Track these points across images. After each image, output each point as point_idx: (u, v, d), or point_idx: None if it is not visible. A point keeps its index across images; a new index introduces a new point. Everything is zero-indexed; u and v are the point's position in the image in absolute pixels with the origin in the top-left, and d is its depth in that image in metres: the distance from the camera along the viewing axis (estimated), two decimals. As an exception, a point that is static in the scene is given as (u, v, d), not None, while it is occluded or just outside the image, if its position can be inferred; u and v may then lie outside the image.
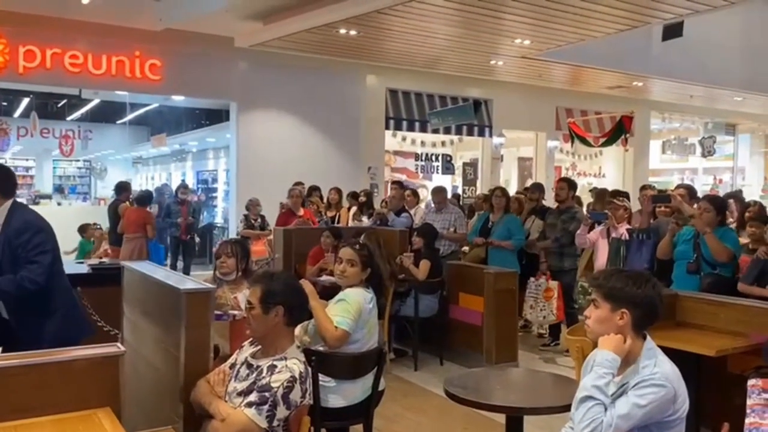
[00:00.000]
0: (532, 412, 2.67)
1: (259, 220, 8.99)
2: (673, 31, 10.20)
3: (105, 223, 9.12)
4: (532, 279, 6.32)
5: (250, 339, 2.64)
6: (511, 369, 3.91)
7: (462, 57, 10.30)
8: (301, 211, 7.71)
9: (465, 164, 13.46)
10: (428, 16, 7.97)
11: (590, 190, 7.61)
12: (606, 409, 2.15)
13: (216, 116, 13.58)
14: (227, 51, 9.87)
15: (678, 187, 5.58)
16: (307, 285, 3.26)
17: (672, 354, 3.80)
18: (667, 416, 2.18)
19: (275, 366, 2.43)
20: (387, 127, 11.80)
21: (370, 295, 3.40)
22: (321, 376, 3.19)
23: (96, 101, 14.05)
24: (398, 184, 7.32)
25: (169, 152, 18.13)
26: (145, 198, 8.85)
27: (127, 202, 8.63)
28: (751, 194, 13.55)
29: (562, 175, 15.21)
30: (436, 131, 11.90)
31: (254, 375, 2.45)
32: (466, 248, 7.22)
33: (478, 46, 9.50)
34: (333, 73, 10.87)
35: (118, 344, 2.53)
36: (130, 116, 14.80)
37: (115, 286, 3.79)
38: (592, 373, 2.23)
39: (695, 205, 4.99)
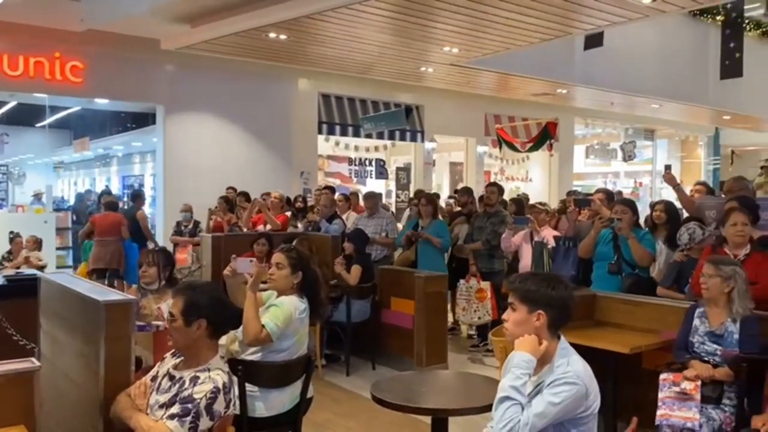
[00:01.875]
0: (455, 413, 2.73)
1: (190, 226, 8.82)
2: (594, 41, 10.68)
3: (25, 231, 8.70)
4: (462, 281, 6.45)
5: (173, 350, 2.59)
6: (438, 371, 3.99)
7: (393, 63, 10.41)
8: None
9: (398, 169, 13.60)
10: (359, 23, 8.02)
11: (510, 199, 7.86)
12: (523, 409, 2.23)
13: (142, 120, 13.20)
14: (153, 53, 9.62)
15: (597, 191, 5.81)
16: (256, 266, 3.25)
17: (591, 352, 4.00)
18: (580, 413, 2.28)
19: (198, 377, 2.40)
20: (320, 132, 11.78)
21: (303, 305, 3.39)
22: (248, 386, 3.17)
23: (12, 103, 13.39)
24: (329, 190, 7.33)
25: (93, 157, 17.47)
26: (114, 204, 9.03)
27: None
28: (669, 196, 14.26)
29: (491, 180, 15.61)
30: (369, 136, 11.96)
31: (176, 387, 2.41)
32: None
33: (409, 53, 9.62)
34: (264, 76, 10.77)
35: (33, 359, 2.44)
36: (50, 119, 14.18)
37: (31, 298, 3.63)
38: (510, 374, 2.31)
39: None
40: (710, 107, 14.95)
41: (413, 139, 13.06)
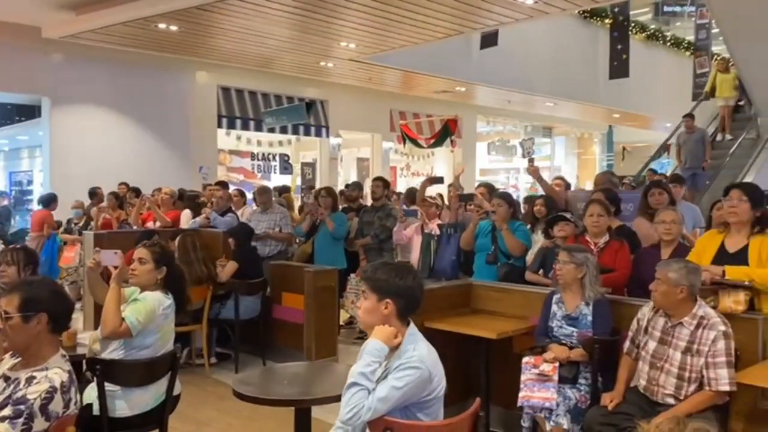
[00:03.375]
0: (312, 403, 2.76)
1: (81, 223, 8.45)
2: (489, 40, 11.05)
3: None
4: (352, 275, 6.51)
5: (12, 351, 2.47)
6: (301, 363, 4.02)
7: (293, 57, 10.35)
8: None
9: (303, 164, 13.53)
10: (254, 16, 7.92)
11: (406, 191, 8.03)
12: (370, 394, 2.29)
13: (29, 112, 12.45)
14: (36, 42, 9.11)
15: (479, 186, 6.02)
16: (122, 258, 3.15)
17: (465, 338, 4.15)
18: (425, 396, 2.36)
19: (34, 377, 2.30)
20: (219, 126, 11.56)
21: (168, 301, 3.32)
22: (108, 385, 3.07)
23: None
24: (222, 185, 7.19)
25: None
26: (48, 199, 8.88)
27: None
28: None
29: (398, 175, 15.83)
30: (272, 130, 11.84)
31: (11, 388, 2.30)
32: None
33: (307, 48, 9.60)
34: (160, 68, 10.44)
35: None
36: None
37: None
38: (361, 360, 2.36)
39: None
40: (601, 106, 15.79)
41: (318, 134, 13.04)
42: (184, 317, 3.94)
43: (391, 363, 2.38)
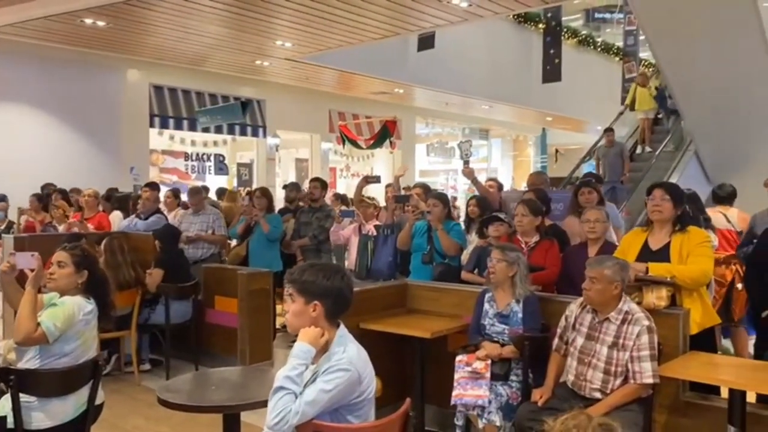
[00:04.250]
0: (238, 409, 2.69)
1: (3, 226, 8.01)
2: (426, 43, 11.15)
3: None
4: (289, 277, 6.40)
5: None
6: (234, 368, 3.93)
7: (228, 56, 10.15)
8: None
9: (239, 164, 13.30)
10: (186, 13, 7.72)
11: (334, 194, 8.03)
12: (297, 398, 2.24)
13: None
14: (-49, 35, 8.62)
15: (415, 186, 6.05)
16: (38, 260, 2.99)
17: (400, 338, 4.15)
18: (354, 398, 2.32)
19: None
20: (152, 125, 11.22)
21: (90, 306, 3.17)
22: (24, 396, 2.91)
23: None
24: (151, 186, 6.96)
25: None
26: None
27: None
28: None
29: (337, 176, 15.78)
30: (206, 130, 11.58)
31: None
32: None
33: (242, 46, 9.43)
34: (89, 65, 10.04)
35: None
36: None
37: None
38: (287, 364, 2.31)
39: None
40: (535, 109, 16.19)
41: (255, 134, 12.84)
42: (108, 323, 3.77)
43: (320, 366, 2.34)
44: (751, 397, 3.23)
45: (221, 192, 9.42)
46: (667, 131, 11.48)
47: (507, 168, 20.93)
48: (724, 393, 3.22)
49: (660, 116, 11.97)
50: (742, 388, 3.06)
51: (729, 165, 9.85)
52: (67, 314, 3.02)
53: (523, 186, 15.42)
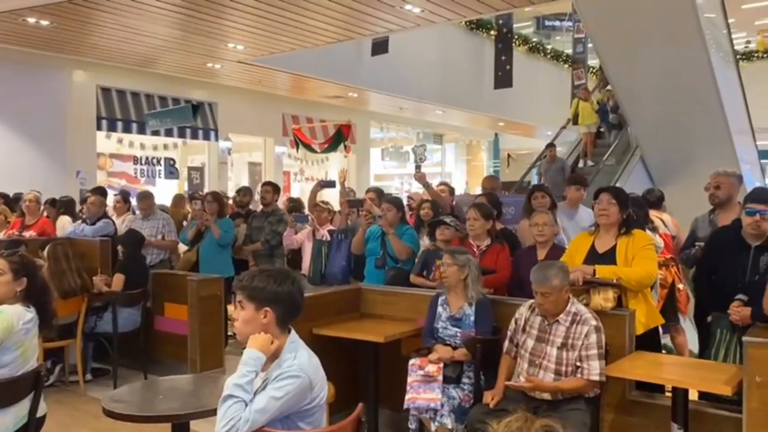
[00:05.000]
0: (185, 418, 2.64)
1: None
2: (380, 47, 11.19)
3: None
4: (241, 283, 6.31)
5: None
6: (184, 376, 3.85)
7: (178, 58, 9.96)
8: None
9: (190, 168, 13.06)
10: (134, 13, 7.54)
11: (287, 198, 7.96)
12: (247, 406, 2.20)
13: None
14: None
15: (368, 191, 6.06)
16: None
17: (354, 343, 4.14)
18: (306, 405, 2.30)
19: None
20: (99, 128, 10.92)
21: (30, 315, 3.05)
22: (-41, 410, 2.78)
23: None
24: (98, 190, 6.77)
25: None
26: None
27: None
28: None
29: (291, 180, 15.66)
30: (156, 133, 11.33)
31: None
32: None
33: (193, 48, 9.27)
34: (32, 66, 9.71)
35: None
36: None
37: None
38: (237, 371, 2.27)
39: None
40: (488, 114, 16.42)
41: (207, 137, 12.64)
42: (50, 332, 3.64)
43: (270, 373, 2.31)
44: (694, 395, 3.35)
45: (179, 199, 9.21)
46: (609, 145, 11.59)
47: (461, 172, 21.15)
48: (671, 392, 3.32)
49: (602, 130, 12.12)
50: (684, 387, 3.16)
51: (673, 169, 10.20)
52: (5, 325, 2.90)
53: (477, 190, 15.67)
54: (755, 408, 2.86)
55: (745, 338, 2.96)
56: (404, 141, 18.79)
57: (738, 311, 3.35)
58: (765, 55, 17.19)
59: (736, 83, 11.35)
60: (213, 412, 2.60)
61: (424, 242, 5.42)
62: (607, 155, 11.19)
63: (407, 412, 3.68)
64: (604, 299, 3.47)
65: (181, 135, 12.06)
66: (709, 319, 3.68)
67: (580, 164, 12.00)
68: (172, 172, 12.73)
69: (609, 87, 11.92)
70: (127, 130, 11.34)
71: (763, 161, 12.95)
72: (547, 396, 3.30)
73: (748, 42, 17.92)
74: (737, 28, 15.28)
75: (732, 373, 3.04)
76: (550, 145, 10.86)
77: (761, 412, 2.85)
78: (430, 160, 18.87)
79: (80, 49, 9.43)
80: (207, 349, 5.57)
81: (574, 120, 12.09)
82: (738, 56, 13.79)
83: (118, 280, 5.49)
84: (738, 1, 15.17)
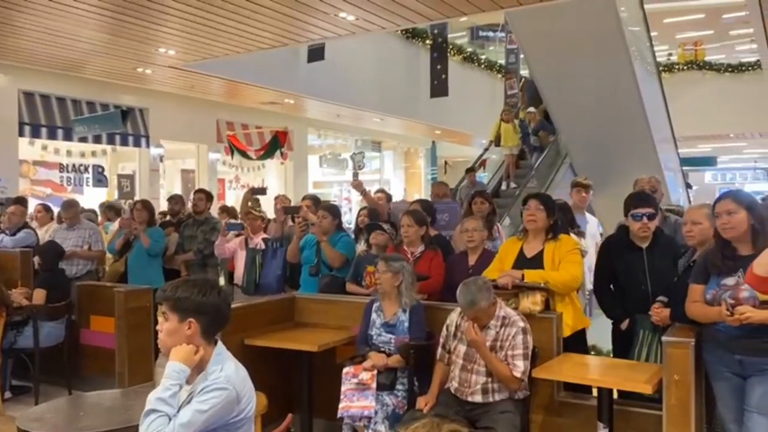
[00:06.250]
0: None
1: None
2: (316, 54, 11.14)
3: None
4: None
5: None
6: (111, 391, 3.72)
7: (106, 62, 9.63)
8: None
9: (120, 176, 12.62)
10: (58, 15, 7.24)
11: (220, 207, 7.82)
12: (171, 420, 2.14)
13: None
14: None
15: (305, 198, 6.01)
16: None
17: (288, 353, 4.08)
18: (233, 418, 2.25)
19: None
20: (21, 134, 10.41)
21: None
22: None
23: None
24: (18, 200, 6.46)
25: None
26: None
27: None
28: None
29: (226, 188, 15.38)
30: (83, 140, 10.91)
31: None
32: None
33: (122, 52, 8.98)
34: (-55, 68, 9.20)
35: None
36: None
37: None
38: (160, 385, 2.20)
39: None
40: (424, 122, 16.59)
41: (137, 144, 12.25)
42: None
43: (196, 385, 2.25)
44: (617, 394, 3.46)
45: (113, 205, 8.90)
46: (531, 167, 11.63)
47: (399, 179, 21.28)
48: (596, 392, 3.43)
49: (526, 150, 12.02)
50: (608, 386, 3.26)
51: (601, 176, 10.56)
52: None
53: (416, 196, 15.76)
54: (674, 404, 2.98)
55: (664, 338, 3.09)
56: (342, 148, 18.76)
57: (658, 312, 3.49)
58: (686, 67, 18.06)
59: (659, 94, 11.90)
60: (135, 429, 2.52)
61: (360, 248, 5.43)
62: (529, 176, 11.16)
63: (342, 420, 3.66)
64: (533, 303, 3.56)
65: (111, 141, 11.66)
66: (624, 325, 3.84)
67: (503, 186, 11.94)
68: (100, 180, 12.29)
69: (531, 109, 12.02)
70: (52, 136, 10.87)
71: (684, 168, 13.60)
72: (478, 398, 3.34)
73: (670, 54, 18.82)
74: (659, 42, 16.05)
75: (653, 372, 3.16)
76: (470, 170, 10.92)
77: (679, 409, 2.97)
78: (368, 167, 18.92)
79: (0, 52, 9.00)
80: (135, 362, 5.37)
81: (496, 141, 12.03)
82: (660, 68, 14.49)
83: (39, 295, 5.24)
84: (660, 15, 15.95)
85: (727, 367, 2.98)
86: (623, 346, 3.83)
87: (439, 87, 14.35)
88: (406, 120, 16.17)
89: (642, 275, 3.74)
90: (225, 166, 14.91)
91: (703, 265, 3.08)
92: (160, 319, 2.33)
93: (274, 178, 16.35)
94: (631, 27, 10.19)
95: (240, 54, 8.99)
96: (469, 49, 17.68)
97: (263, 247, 5.88)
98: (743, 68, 17.19)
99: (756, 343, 2.86)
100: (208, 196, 6.49)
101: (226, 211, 8.05)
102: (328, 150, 18.71)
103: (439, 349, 3.56)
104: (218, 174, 14.54)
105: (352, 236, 6.12)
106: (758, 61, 14.61)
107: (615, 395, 3.44)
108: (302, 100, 13.18)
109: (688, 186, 14.56)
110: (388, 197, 6.41)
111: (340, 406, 3.59)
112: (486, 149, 12.92)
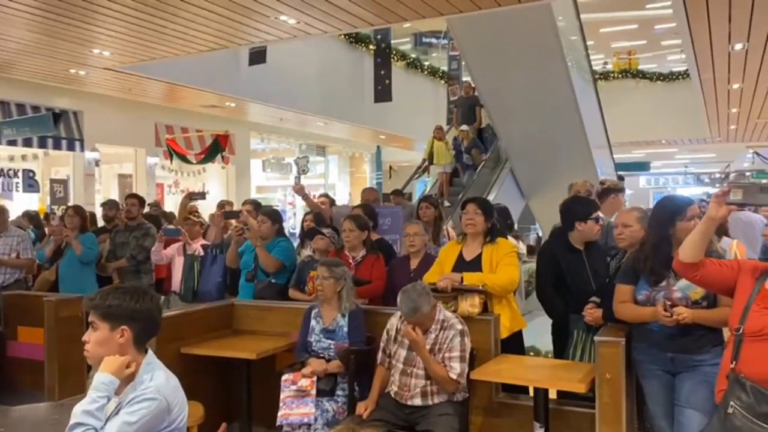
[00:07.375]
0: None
1: None
2: (257, 57, 11.01)
3: None
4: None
5: None
6: (40, 405, 3.57)
7: (37, 63, 9.25)
8: None
9: (53, 181, 12.14)
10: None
11: (145, 214, 7.60)
12: (98, 434, 2.06)
13: None
14: None
15: (245, 202, 5.91)
16: None
17: (226, 361, 4.00)
18: (164, 428, 2.18)
19: None
20: (-56, 137, 9.89)
21: None
22: None
23: None
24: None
25: None
26: None
27: None
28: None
29: (165, 193, 14.99)
30: (11, 143, 10.44)
31: None
32: None
33: (54, 53, 8.64)
34: None
35: None
36: None
37: None
38: (86, 397, 2.12)
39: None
40: (369, 127, 16.62)
41: (71, 147, 11.80)
42: None
43: (125, 396, 2.18)
44: (553, 394, 3.54)
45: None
46: (463, 185, 11.65)
47: (344, 184, 21.24)
48: (533, 392, 3.49)
49: (458, 167, 11.98)
50: (544, 386, 3.33)
51: (540, 181, 10.84)
52: None
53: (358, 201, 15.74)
54: (606, 402, 3.07)
55: (596, 337, 3.17)
56: (286, 152, 18.60)
57: (591, 312, 3.58)
58: (620, 76, 18.72)
59: (594, 101, 12.27)
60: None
61: (306, 253, 5.38)
62: (462, 194, 10.88)
63: (281, 428, 3.61)
64: (471, 305, 3.60)
65: (42, 145, 11.19)
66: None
67: None
68: (31, 185, 11.79)
69: (464, 127, 12.08)
70: (-22, 139, 10.37)
71: (619, 172, 14.05)
72: (418, 402, 3.36)
73: (606, 63, 19.47)
74: (595, 50, 16.59)
75: (586, 371, 3.24)
76: (394, 193, 10.90)
77: (611, 406, 3.05)
78: (313, 171, 18.77)
79: None
80: (67, 374, 5.16)
81: (430, 160, 12.03)
82: (596, 76, 14.96)
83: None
84: (596, 25, 16.48)
85: (659, 365, 3.08)
86: (563, 347, 3.91)
87: (382, 92, 14.42)
88: (350, 125, 16.17)
89: (587, 275, 3.81)
90: (164, 171, 14.54)
91: (632, 267, 3.17)
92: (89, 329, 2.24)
93: (215, 183, 16.04)
94: (569, 36, 10.48)
95: (179, 56, 8.78)
96: (413, 55, 17.84)
97: (202, 253, 5.76)
98: (674, 77, 17.94)
99: (687, 340, 2.97)
100: (141, 201, 6.31)
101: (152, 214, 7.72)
102: (271, 154, 18.51)
103: (380, 354, 3.56)
104: (157, 179, 14.15)
105: (298, 241, 6.08)
106: (687, 70, 15.25)
107: (555, 395, 3.52)
108: (244, 103, 13.00)
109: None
110: (332, 201, 6.39)
111: (280, 413, 3.54)
112: (419, 167, 12.94)
